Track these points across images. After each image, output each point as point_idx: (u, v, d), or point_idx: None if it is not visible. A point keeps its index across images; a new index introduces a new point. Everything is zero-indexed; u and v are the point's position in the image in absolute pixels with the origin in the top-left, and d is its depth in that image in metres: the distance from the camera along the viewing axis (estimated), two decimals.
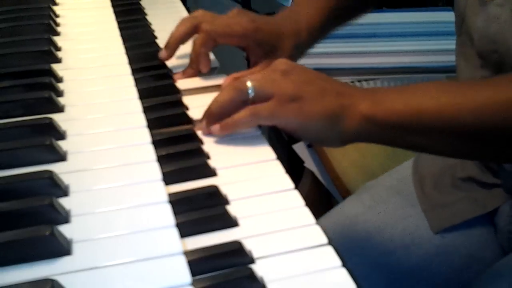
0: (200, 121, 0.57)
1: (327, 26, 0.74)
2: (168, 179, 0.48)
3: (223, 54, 0.69)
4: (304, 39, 0.70)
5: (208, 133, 0.56)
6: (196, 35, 0.67)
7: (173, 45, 0.68)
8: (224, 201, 0.47)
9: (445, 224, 0.73)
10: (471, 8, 0.65)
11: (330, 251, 0.42)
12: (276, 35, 0.68)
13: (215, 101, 0.56)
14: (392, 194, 0.78)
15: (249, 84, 0.54)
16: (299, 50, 0.71)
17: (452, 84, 0.55)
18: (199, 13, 0.69)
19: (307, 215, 0.46)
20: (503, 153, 0.55)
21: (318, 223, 0.45)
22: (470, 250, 0.73)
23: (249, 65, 0.69)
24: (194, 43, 0.67)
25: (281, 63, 0.56)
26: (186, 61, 0.68)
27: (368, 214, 0.77)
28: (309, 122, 0.53)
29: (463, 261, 0.73)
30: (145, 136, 0.54)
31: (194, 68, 0.68)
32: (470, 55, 0.67)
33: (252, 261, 0.41)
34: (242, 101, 0.54)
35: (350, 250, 0.75)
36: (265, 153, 0.54)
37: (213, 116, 0.56)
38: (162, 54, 0.68)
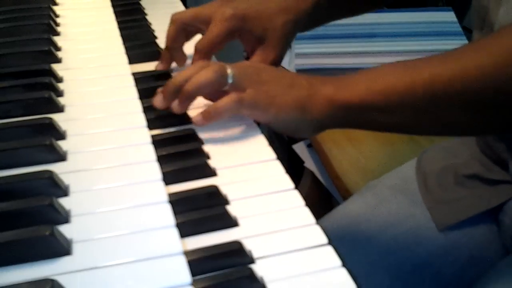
0: (164, 100, 0.57)
1: (325, 6, 0.70)
2: (168, 179, 0.48)
3: (222, 53, 0.68)
4: (296, 12, 0.67)
5: (166, 108, 0.56)
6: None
7: (167, 59, 0.68)
8: (224, 201, 0.47)
9: (450, 221, 0.73)
10: (494, 2, 0.64)
11: (330, 251, 0.42)
12: (264, 17, 0.66)
13: (194, 81, 0.55)
14: (396, 194, 0.78)
15: (229, 71, 0.55)
16: (293, 25, 0.68)
17: (415, 60, 0.55)
18: (176, 13, 0.69)
19: (307, 215, 0.46)
20: (477, 124, 0.54)
21: (320, 222, 0.45)
22: (474, 249, 0.73)
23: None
24: (166, 37, 0.66)
25: (248, 64, 0.59)
26: (188, 61, 0.68)
27: (371, 213, 0.77)
28: (281, 114, 0.55)
29: (466, 260, 0.73)
30: (145, 136, 0.54)
31: (165, 63, 0.68)
32: None
33: (252, 261, 0.41)
34: (219, 86, 0.55)
35: (354, 249, 0.75)
36: (265, 153, 0.54)
37: (189, 95, 0.56)
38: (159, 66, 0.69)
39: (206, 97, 0.60)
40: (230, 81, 0.55)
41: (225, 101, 0.54)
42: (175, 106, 0.56)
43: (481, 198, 0.72)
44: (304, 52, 1.20)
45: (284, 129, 0.58)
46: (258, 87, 0.55)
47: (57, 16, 0.81)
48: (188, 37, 0.69)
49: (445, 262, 0.73)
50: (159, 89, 0.58)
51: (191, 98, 0.56)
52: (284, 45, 0.68)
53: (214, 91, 0.56)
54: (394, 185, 0.80)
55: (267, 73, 0.57)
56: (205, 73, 0.55)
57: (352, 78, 0.56)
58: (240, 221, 0.45)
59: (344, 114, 0.55)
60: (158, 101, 0.57)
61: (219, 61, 0.61)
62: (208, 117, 0.55)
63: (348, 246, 0.75)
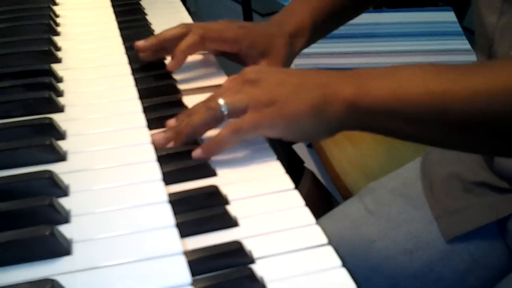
0: (165, 135, 0.54)
1: (321, 25, 0.72)
2: (168, 179, 0.48)
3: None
4: (296, 38, 0.69)
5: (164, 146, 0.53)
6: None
7: (157, 44, 0.67)
8: (224, 201, 0.47)
9: (458, 231, 0.71)
10: (501, 33, 0.63)
11: (330, 251, 0.42)
12: (267, 36, 0.67)
13: (187, 123, 0.53)
14: (395, 197, 0.77)
15: (221, 101, 0.52)
16: (293, 48, 0.70)
17: (442, 67, 0.51)
18: (191, 23, 0.69)
19: (307, 215, 0.46)
20: (495, 145, 0.52)
21: (318, 223, 0.45)
22: (475, 255, 0.72)
23: None
24: (183, 41, 0.66)
25: (249, 71, 0.55)
26: (188, 61, 0.68)
27: (371, 217, 0.77)
28: (294, 122, 0.51)
29: (467, 266, 0.72)
30: (145, 136, 0.54)
31: (159, 55, 0.68)
32: None
33: (252, 261, 0.41)
34: (217, 120, 0.53)
35: (352, 253, 0.74)
36: (265, 153, 0.54)
37: (185, 138, 0.53)
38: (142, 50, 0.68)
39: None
40: (225, 112, 0.52)
41: (222, 134, 0.52)
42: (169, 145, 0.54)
43: (490, 207, 0.70)
44: (304, 52, 1.20)
45: (299, 138, 0.55)
46: (258, 103, 0.51)
47: (57, 16, 0.81)
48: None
49: (445, 267, 0.72)
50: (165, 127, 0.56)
51: (185, 140, 0.53)
52: (288, 61, 0.69)
53: (215, 124, 0.54)
54: (394, 189, 0.79)
55: (268, 78, 0.53)
56: (197, 116, 0.53)
57: (375, 79, 0.52)
58: (240, 221, 0.45)
59: (367, 119, 0.51)
60: (158, 140, 0.54)
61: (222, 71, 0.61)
62: (208, 152, 0.52)
63: (346, 251, 0.74)
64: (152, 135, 0.54)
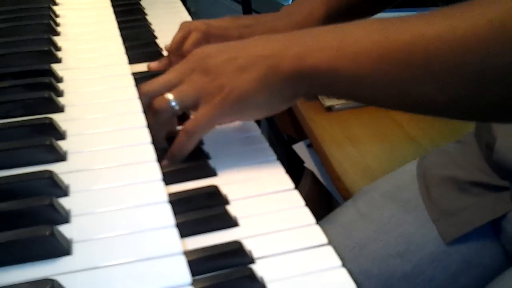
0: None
1: (336, 17, 0.69)
2: (168, 179, 0.48)
3: None
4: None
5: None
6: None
7: (168, 61, 0.68)
8: (224, 201, 0.47)
9: (456, 234, 0.71)
10: None
11: (330, 251, 0.42)
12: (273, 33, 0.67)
13: (150, 129, 0.53)
14: (387, 201, 0.77)
15: (170, 97, 0.51)
16: None
17: (390, 19, 0.47)
18: (193, 21, 0.69)
19: (307, 215, 0.46)
20: (443, 104, 0.46)
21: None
22: (467, 255, 0.72)
23: None
24: (187, 40, 0.65)
25: (194, 55, 0.53)
26: None
27: (363, 221, 0.77)
28: (245, 103, 0.50)
29: (459, 266, 0.72)
30: (145, 136, 0.54)
31: (171, 60, 0.67)
32: None
33: (252, 261, 0.41)
34: (172, 116, 0.53)
35: (344, 257, 0.74)
36: (265, 153, 0.54)
37: (157, 140, 0.53)
38: (157, 64, 0.68)
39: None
40: (176, 107, 0.52)
41: (179, 139, 0.52)
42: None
43: (486, 207, 0.70)
44: None
45: (257, 115, 0.54)
46: (208, 93, 0.50)
47: (57, 16, 0.81)
48: None
49: (436, 268, 0.72)
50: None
51: (159, 145, 0.53)
52: None
53: (170, 120, 0.54)
54: (386, 192, 0.79)
55: (214, 60, 0.52)
56: (150, 119, 0.53)
57: (317, 37, 0.49)
58: (240, 221, 0.45)
59: (314, 81, 0.49)
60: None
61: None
62: (172, 159, 0.52)
63: (339, 255, 0.74)
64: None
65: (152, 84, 0.54)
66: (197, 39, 0.65)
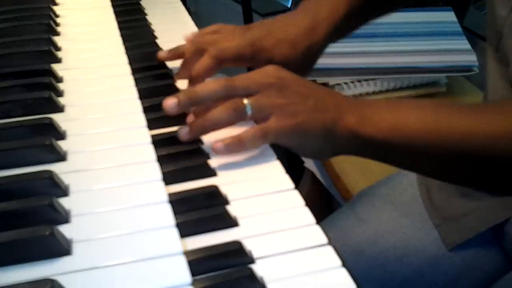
0: (177, 106, 0.54)
1: (349, 20, 0.70)
2: (168, 179, 0.48)
3: None
4: (320, 35, 0.67)
5: (188, 139, 0.53)
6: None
7: (173, 56, 0.67)
8: (224, 201, 0.47)
9: (459, 240, 0.71)
10: (510, 28, 0.63)
11: (330, 251, 0.42)
12: (285, 45, 0.65)
13: (209, 118, 0.53)
14: (385, 205, 0.77)
15: (246, 102, 0.52)
16: (319, 46, 0.68)
17: (441, 105, 0.55)
18: (206, 39, 0.66)
19: (307, 215, 0.46)
20: (486, 182, 0.55)
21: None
22: (467, 259, 0.72)
23: (249, 69, 0.68)
24: (198, 65, 0.63)
25: (271, 74, 0.55)
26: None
27: (361, 225, 0.76)
28: (307, 138, 0.53)
29: (459, 270, 0.72)
30: (145, 136, 0.54)
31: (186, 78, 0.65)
32: (503, 74, 0.65)
33: (252, 261, 0.41)
34: (239, 119, 0.53)
35: (344, 264, 0.74)
36: (265, 153, 0.54)
37: (202, 130, 0.54)
38: (162, 54, 0.67)
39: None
40: (249, 112, 0.52)
41: (250, 134, 0.52)
42: (184, 133, 0.53)
43: (489, 212, 0.70)
44: None
45: (306, 153, 0.58)
46: (282, 112, 0.52)
47: (57, 16, 0.81)
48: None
49: (435, 272, 0.72)
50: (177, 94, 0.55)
51: (203, 133, 0.54)
52: (309, 68, 0.68)
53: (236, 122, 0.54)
54: (384, 195, 0.78)
55: (293, 89, 0.54)
56: (221, 111, 0.53)
57: (377, 111, 0.54)
58: (240, 221, 0.45)
59: (366, 148, 0.54)
60: (170, 106, 0.54)
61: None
62: (231, 148, 0.52)
63: None
64: (165, 100, 0.54)
65: (235, 82, 0.54)
66: (209, 66, 0.63)
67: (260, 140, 0.53)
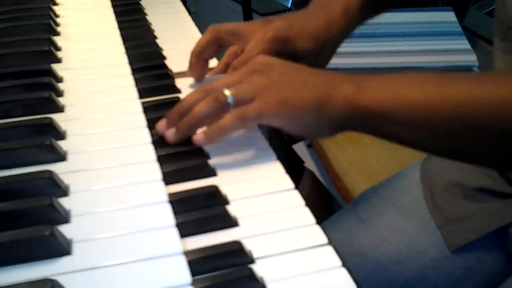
0: (167, 125, 0.54)
1: (362, 12, 0.68)
2: (168, 179, 0.48)
3: (222, 51, 0.68)
4: (337, 29, 0.66)
5: (176, 140, 0.53)
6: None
7: (193, 61, 0.65)
8: (224, 201, 0.47)
9: (462, 241, 0.71)
10: None
11: (330, 251, 0.42)
12: (305, 36, 0.64)
13: (192, 114, 0.53)
14: (387, 206, 0.77)
15: (227, 93, 0.52)
16: (337, 39, 0.67)
17: (442, 76, 0.53)
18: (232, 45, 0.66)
19: (307, 215, 0.46)
20: (488, 155, 0.52)
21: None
22: (470, 261, 0.71)
23: None
24: (196, 44, 0.63)
25: (259, 62, 0.55)
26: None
27: (363, 227, 0.76)
28: (296, 115, 0.52)
29: (462, 272, 0.71)
30: (145, 136, 0.54)
31: (194, 71, 0.65)
32: (510, 64, 0.65)
33: (252, 261, 0.41)
34: (222, 111, 0.53)
35: (344, 265, 0.73)
36: (265, 153, 0.54)
37: (188, 128, 0.53)
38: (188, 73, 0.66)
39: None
40: (230, 101, 0.52)
41: (227, 119, 0.52)
42: (170, 135, 0.53)
43: (493, 214, 0.69)
44: None
45: (300, 131, 0.55)
46: (264, 93, 0.52)
47: (57, 16, 0.81)
48: (216, 51, 0.66)
49: (438, 275, 0.71)
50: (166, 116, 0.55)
51: (189, 131, 0.53)
52: (326, 61, 0.67)
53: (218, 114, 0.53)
54: (386, 197, 0.78)
55: (277, 71, 0.54)
56: (203, 104, 0.53)
57: (375, 82, 0.53)
58: (240, 221, 0.45)
59: (362, 119, 0.52)
60: (161, 127, 0.54)
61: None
62: (210, 137, 0.52)
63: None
64: (157, 124, 0.54)
65: (214, 83, 0.54)
66: (206, 41, 0.63)
67: (239, 122, 0.52)
